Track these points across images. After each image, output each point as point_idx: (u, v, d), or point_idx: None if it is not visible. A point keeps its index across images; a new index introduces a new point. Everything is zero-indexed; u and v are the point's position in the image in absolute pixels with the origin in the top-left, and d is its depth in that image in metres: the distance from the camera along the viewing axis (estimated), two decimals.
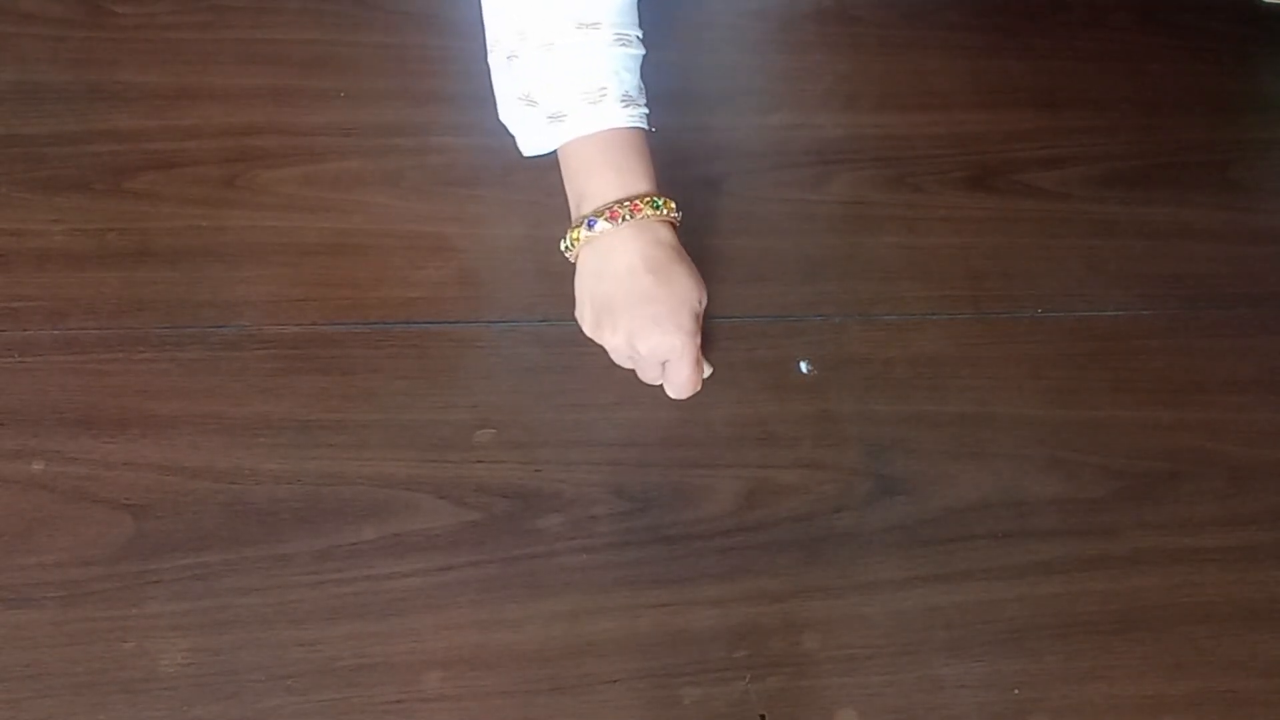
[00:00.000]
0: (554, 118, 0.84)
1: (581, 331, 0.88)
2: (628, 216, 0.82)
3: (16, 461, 0.80)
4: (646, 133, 0.86)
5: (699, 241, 0.95)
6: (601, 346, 0.87)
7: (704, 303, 0.85)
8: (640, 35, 0.87)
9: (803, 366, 0.91)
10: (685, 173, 0.99)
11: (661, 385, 0.87)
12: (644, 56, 0.88)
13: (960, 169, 1.05)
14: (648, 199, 0.83)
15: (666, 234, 0.84)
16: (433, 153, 0.97)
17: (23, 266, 0.88)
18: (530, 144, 0.91)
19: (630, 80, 0.85)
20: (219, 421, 0.83)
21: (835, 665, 0.80)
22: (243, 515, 0.80)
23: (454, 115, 1.00)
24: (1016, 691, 0.80)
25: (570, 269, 0.89)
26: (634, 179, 0.84)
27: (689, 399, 0.87)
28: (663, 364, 0.85)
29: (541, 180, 0.92)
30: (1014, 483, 0.89)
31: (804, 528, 0.85)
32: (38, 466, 0.80)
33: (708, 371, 0.88)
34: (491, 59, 0.88)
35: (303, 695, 0.75)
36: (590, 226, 0.83)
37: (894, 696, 0.79)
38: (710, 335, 0.91)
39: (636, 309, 0.82)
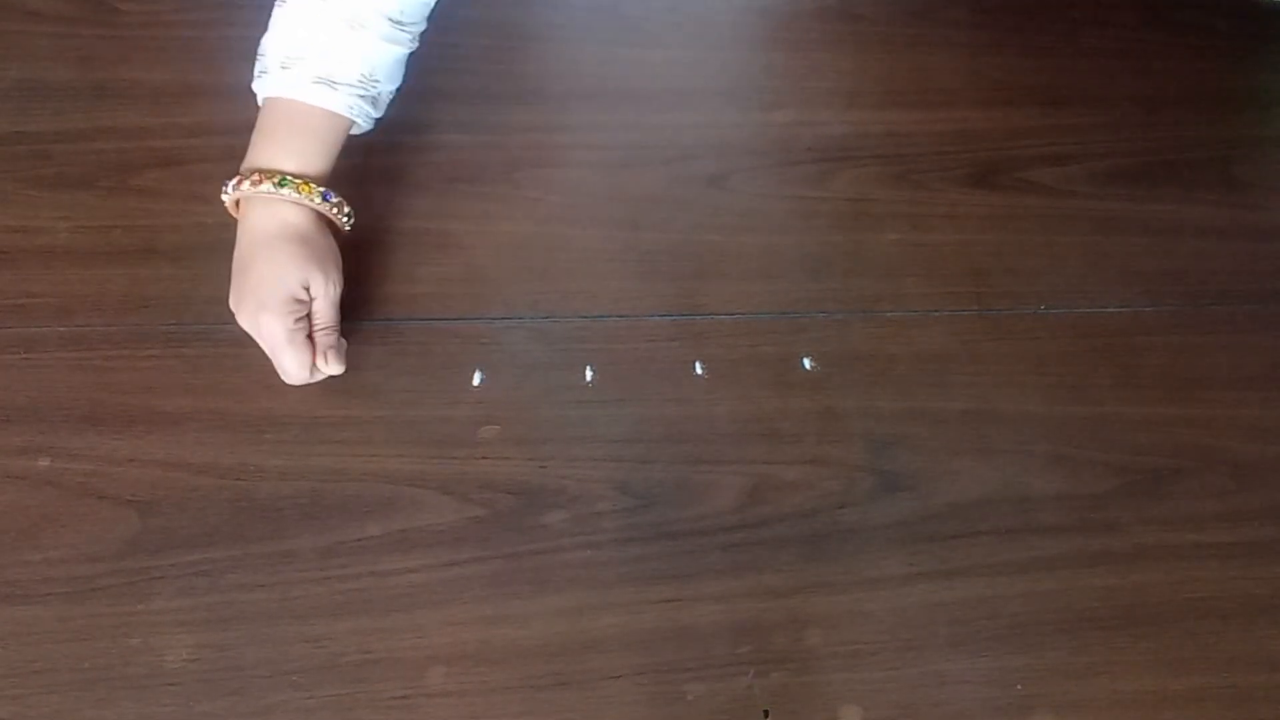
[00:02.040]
0: (259, 73, 0.82)
1: (583, 329, 0.88)
2: (248, 187, 0.80)
3: (23, 458, 0.81)
4: (344, 121, 0.83)
5: (702, 238, 0.96)
6: (602, 336, 0.89)
7: (316, 291, 0.82)
8: (401, 31, 0.83)
9: (806, 363, 0.91)
10: (689, 170, 0.99)
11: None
12: (404, 54, 0.85)
13: (963, 166, 1.05)
14: (277, 176, 0.80)
15: (295, 215, 0.81)
16: (437, 150, 0.98)
17: (29, 263, 0.88)
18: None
19: (348, 66, 0.81)
20: (224, 418, 0.84)
21: (839, 661, 0.80)
22: (247, 511, 0.80)
23: (458, 112, 1.00)
24: (1019, 687, 0.80)
25: (568, 268, 0.90)
26: (284, 155, 0.81)
27: (690, 399, 0.88)
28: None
29: (545, 177, 0.92)
30: (1017, 479, 0.89)
31: (807, 524, 0.85)
32: (44, 463, 0.80)
33: (334, 368, 0.84)
34: None
35: (307, 691, 0.75)
36: (225, 189, 0.82)
37: (897, 692, 0.79)
38: (713, 331, 0.92)
39: (237, 281, 0.82)
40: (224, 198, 0.83)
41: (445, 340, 0.89)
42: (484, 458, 0.84)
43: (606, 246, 0.95)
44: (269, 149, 0.81)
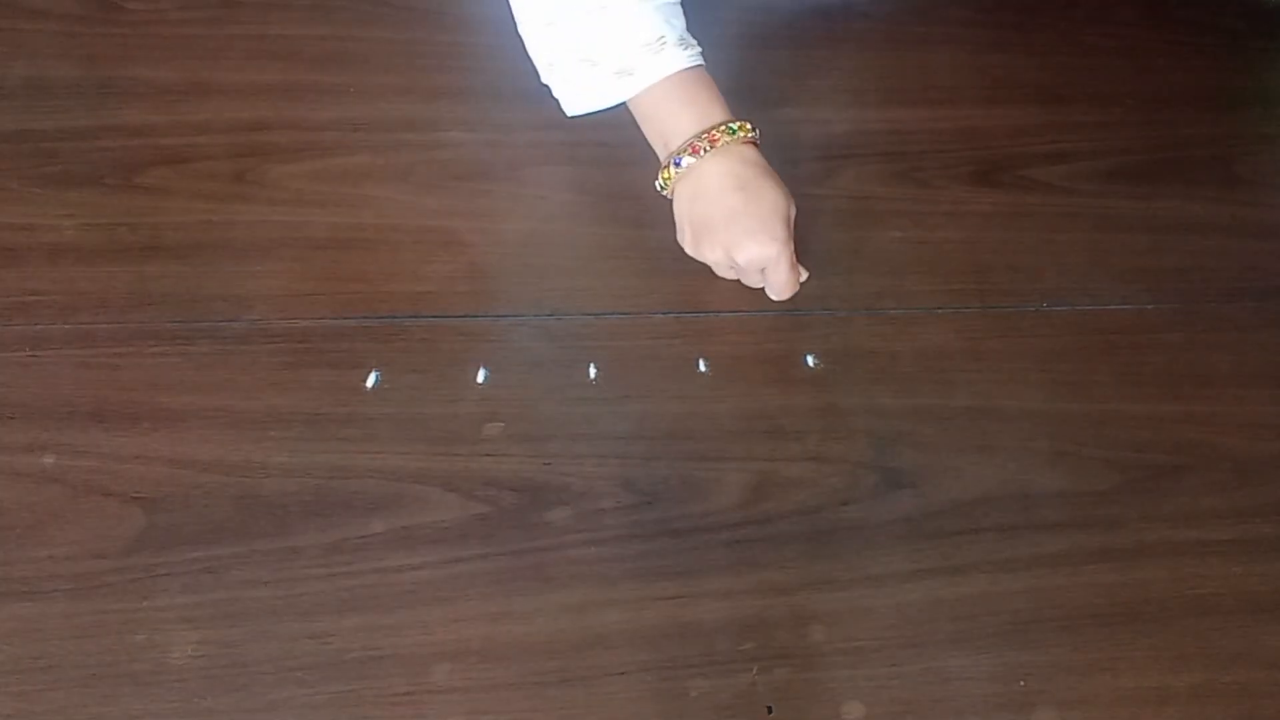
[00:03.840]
0: (621, 73, 0.88)
1: (587, 326, 0.89)
2: (708, 148, 0.88)
3: (28, 455, 0.81)
4: (704, 66, 0.91)
5: None
6: (605, 333, 0.89)
7: (793, 211, 0.90)
8: None
9: (809, 360, 0.92)
10: None
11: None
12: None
13: (966, 164, 1.05)
14: (723, 127, 0.88)
15: (750, 153, 0.90)
16: (442, 148, 0.98)
17: (34, 261, 0.88)
18: (585, 103, 0.93)
19: (679, 24, 0.90)
20: (229, 415, 0.84)
21: (842, 657, 0.80)
22: (253, 508, 0.80)
23: (463, 110, 1.00)
24: (1022, 683, 0.80)
25: (572, 266, 0.90)
26: (708, 111, 0.90)
27: (694, 396, 0.88)
28: (761, 271, 0.90)
29: (549, 175, 0.92)
30: (1019, 476, 0.89)
31: (811, 520, 0.85)
32: (49, 460, 0.81)
33: (804, 275, 0.93)
34: (525, 29, 0.91)
35: (312, 687, 0.75)
36: (678, 165, 0.89)
37: (900, 688, 0.79)
38: (717, 329, 0.92)
39: (731, 225, 0.88)
40: (669, 179, 0.91)
41: (449, 338, 0.89)
42: (488, 455, 0.85)
43: (610, 244, 0.96)
44: (691, 115, 0.90)
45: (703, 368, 0.90)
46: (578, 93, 0.92)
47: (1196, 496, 0.90)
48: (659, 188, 0.92)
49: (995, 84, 1.12)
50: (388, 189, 0.96)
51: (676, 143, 0.89)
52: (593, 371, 0.89)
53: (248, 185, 0.94)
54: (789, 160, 1.02)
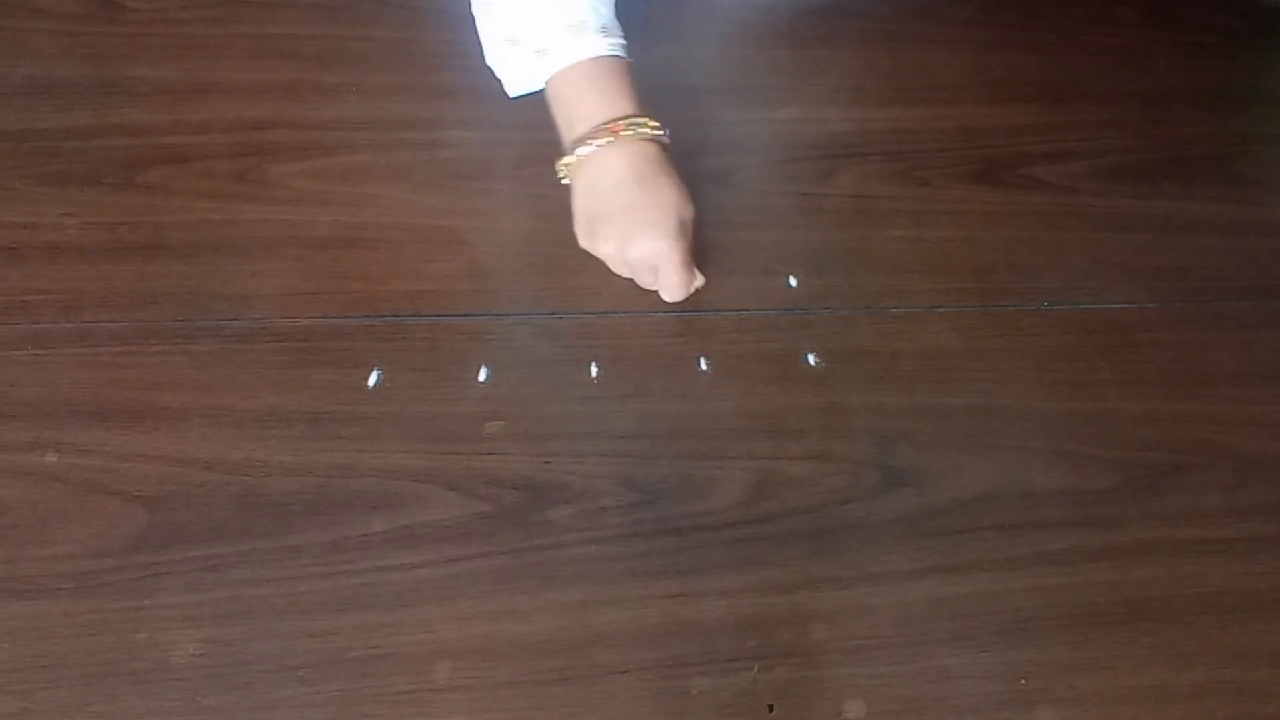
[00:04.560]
0: (540, 52, 0.89)
1: (589, 325, 0.89)
2: (609, 138, 0.87)
3: (30, 454, 0.81)
4: (626, 60, 0.91)
5: (707, 235, 0.96)
6: (607, 332, 0.90)
7: (691, 214, 0.90)
8: None
9: (810, 359, 0.92)
10: (694, 166, 0.99)
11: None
12: None
13: (967, 163, 1.05)
14: (627, 120, 0.87)
15: (652, 150, 0.89)
16: (443, 147, 0.98)
17: (36, 260, 0.88)
18: (517, 84, 0.94)
19: (606, 13, 0.90)
20: (231, 414, 0.84)
21: (843, 656, 0.80)
22: (254, 507, 0.81)
23: (464, 110, 1.00)
24: (1023, 682, 0.80)
25: (574, 264, 0.90)
26: (617, 102, 0.89)
27: (695, 395, 0.88)
28: (654, 270, 0.89)
29: (551, 174, 0.92)
30: (1020, 474, 0.89)
31: (812, 519, 0.85)
32: (51, 458, 0.81)
33: (700, 281, 0.92)
34: (474, 7, 0.92)
35: (314, 686, 0.75)
36: (577, 152, 0.88)
37: (901, 687, 0.79)
38: (718, 328, 0.92)
39: (624, 217, 0.88)
40: (568, 166, 0.90)
41: (451, 337, 0.89)
42: (489, 453, 0.85)
43: None
44: (599, 103, 0.89)
45: (704, 366, 0.90)
46: (509, 74, 0.94)
47: (1197, 495, 0.90)
48: (559, 176, 0.92)
49: (996, 83, 1.12)
50: (389, 188, 0.96)
51: (579, 129, 0.89)
52: (594, 370, 0.89)
53: (249, 184, 0.94)
54: (790, 159, 1.02)
